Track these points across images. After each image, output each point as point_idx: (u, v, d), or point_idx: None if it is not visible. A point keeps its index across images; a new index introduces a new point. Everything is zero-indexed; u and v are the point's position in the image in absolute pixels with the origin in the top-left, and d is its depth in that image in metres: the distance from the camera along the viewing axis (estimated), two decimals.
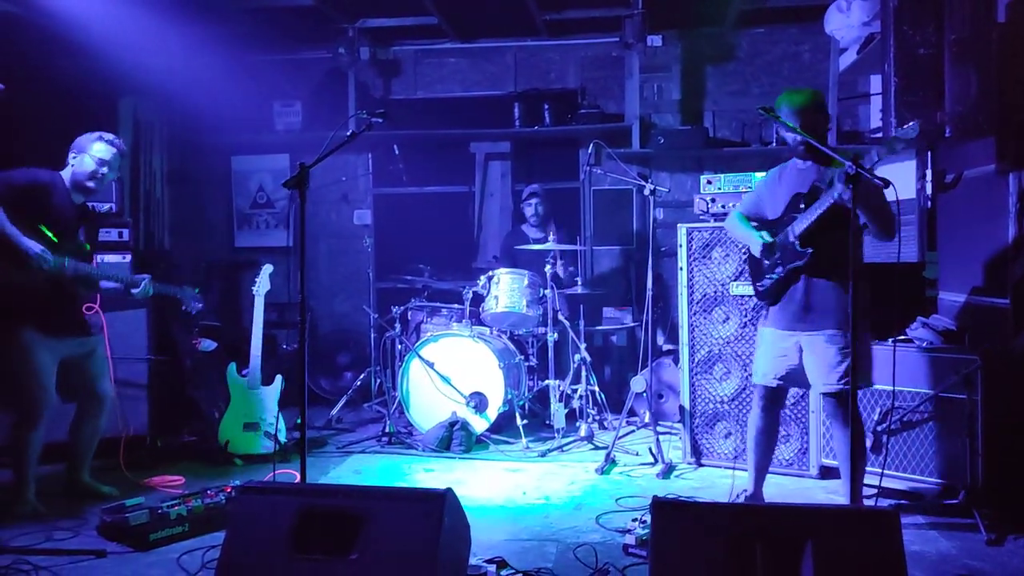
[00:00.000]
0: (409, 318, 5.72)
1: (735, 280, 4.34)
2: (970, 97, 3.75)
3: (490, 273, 5.34)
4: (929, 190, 4.63)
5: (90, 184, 3.71)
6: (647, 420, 5.01)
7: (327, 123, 6.41)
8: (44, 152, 3.79)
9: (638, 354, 5.20)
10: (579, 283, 5.48)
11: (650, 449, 4.54)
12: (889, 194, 2.90)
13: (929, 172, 4.60)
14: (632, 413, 5.26)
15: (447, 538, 2.41)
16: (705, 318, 4.44)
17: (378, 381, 5.77)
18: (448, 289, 5.85)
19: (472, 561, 2.84)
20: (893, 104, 3.84)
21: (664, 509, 2.36)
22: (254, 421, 4.57)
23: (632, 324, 6.19)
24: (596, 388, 5.30)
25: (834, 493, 3.91)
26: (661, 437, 4.52)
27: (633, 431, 5.20)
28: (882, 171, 2.97)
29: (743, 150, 6.24)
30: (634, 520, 3.28)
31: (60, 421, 3.80)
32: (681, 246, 4.48)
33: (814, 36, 6.10)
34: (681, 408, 4.54)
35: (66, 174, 3.72)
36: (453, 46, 6.77)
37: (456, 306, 5.48)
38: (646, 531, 3.13)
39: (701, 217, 4.55)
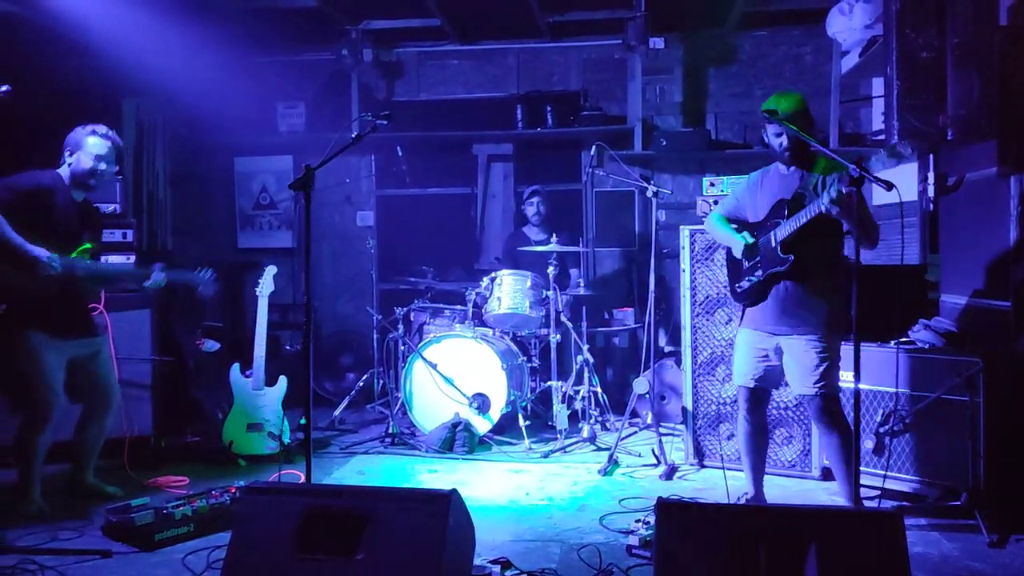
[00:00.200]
0: (412, 319, 5.73)
1: None
2: (972, 100, 3.76)
3: (493, 274, 5.35)
4: (931, 193, 4.64)
5: (91, 182, 3.71)
6: (649, 421, 5.03)
7: (330, 125, 6.43)
8: (47, 153, 3.78)
9: (640, 356, 5.21)
10: (581, 284, 5.49)
11: (653, 450, 4.55)
12: (892, 196, 2.92)
13: (931, 175, 4.61)
14: (634, 414, 5.27)
15: (452, 539, 2.42)
16: (708, 320, 4.45)
17: (381, 382, 5.79)
18: (451, 290, 5.86)
19: (476, 562, 2.86)
20: (895, 107, 3.85)
21: (669, 510, 2.37)
22: (258, 422, 4.59)
23: (634, 326, 6.20)
24: (598, 389, 5.31)
25: (836, 495, 3.91)
26: (663, 438, 4.54)
27: (635, 432, 5.21)
28: (884, 173, 2.99)
29: (745, 152, 6.24)
30: (637, 521, 3.29)
31: (65, 421, 3.80)
32: (684, 248, 4.49)
33: (816, 38, 6.11)
34: (684, 409, 4.55)
35: (64, 172, 3.70)
36: (456, 48, 6.78)
37: (459, 307, 5.49)
38: (650, 532, 3.14)
39: (704, 219, 4.56)
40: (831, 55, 5.95)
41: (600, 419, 5.35)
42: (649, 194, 4.59)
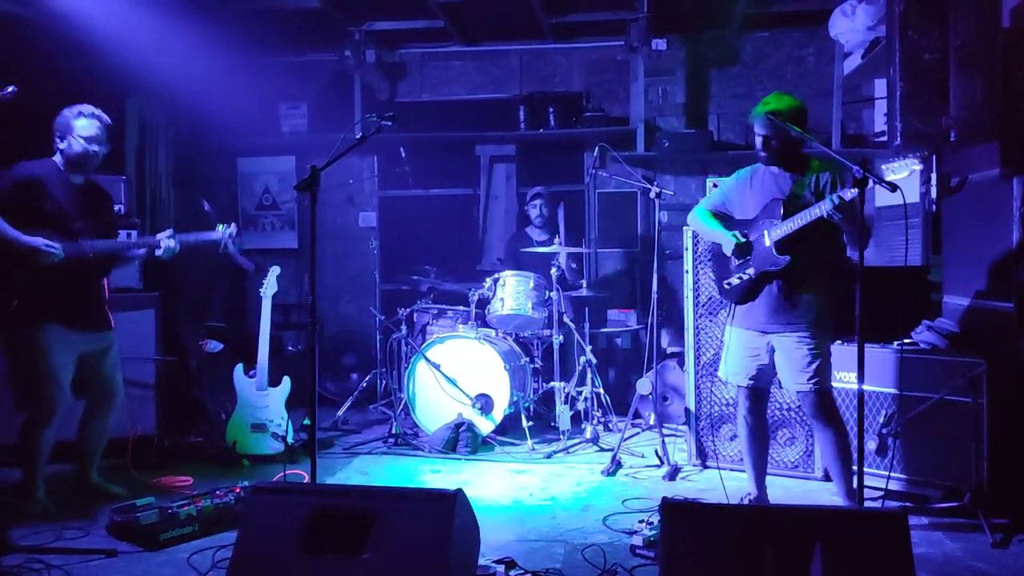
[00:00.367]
0: (415, 320, 5.74)
1: None
2: (975, 102, 3.77)
3: (496, 275, 5.36)
4: (934, 194, 4.64)
5: (86, 164, 3.67)
6: (652, 422, 5.03)
7: (333, 125, 6.44)
8: (51, 153, 3.78)
9: (642, 356, 5.23)
10: (584, 285, 5.50)
11: (656, 451, 4.56)
12: (894, 198, 2.93)
13: (934, 176, 4.61)
14: (637, 415, 5.28)
15: (458, 538, 2.43)
16: (711, 321, 4.46)
17: (383, 383, 5.79)
18: (454, 291, 5.87)
19: (481, 561, 2.86)
20: (898, 108, 3.86)
21: (674, 510, 2.38)
22: (261, 422, 4.59)
23: (636, 327, 6.21)
24: (601, 390, 5.32)
25: (838, 495, 3.92)
26: (666, 439, 4.55)
27: (638, 433, 5.22)
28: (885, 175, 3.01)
29: (747, 153, 6.21)
30: (641, 521, 3.30)
31: (70, 420, 3.81)
32: (687, 249, 4.50)
33: (818, 40, 6.12)
34: (687, 410, 4.56)
35: (57, 158, 3.67)
36: (459, 49, 6.79)
37: (462, 308, 5.50)
38: (653, 532, 3.16)
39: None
40: (833, 56, 5.96)
41: (602, 420, 5.35)
42: (652, 195, 4.60)
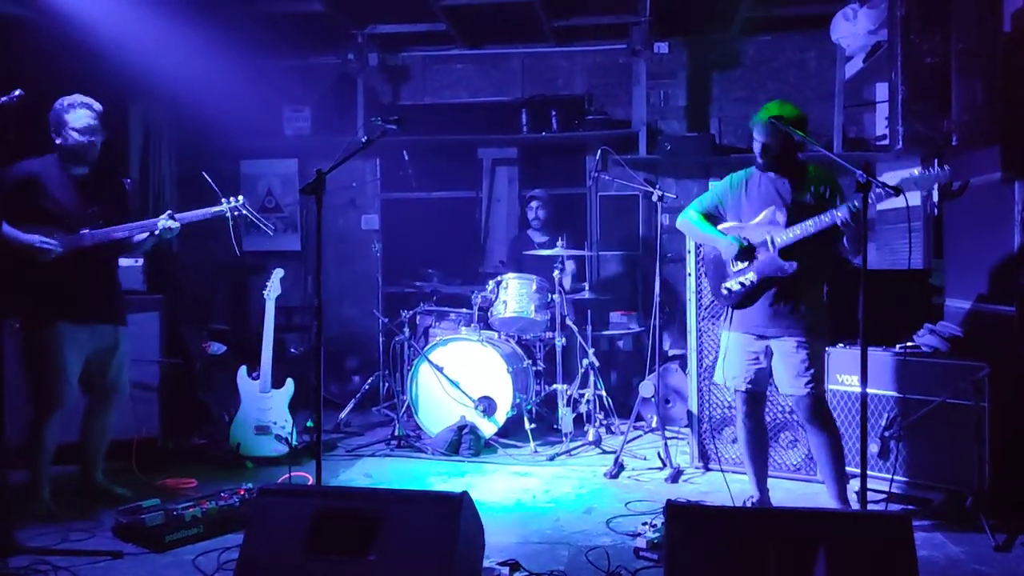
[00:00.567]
0: (418, 322, 5.75)
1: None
2: (976, 106, 3.78)
3: (498, 278, 5.38)
4: (936, 198, 4.66)
5: (84, 155, 3.66)
6: (654, 425, 5.05)
7: (336, 128, 6.46)
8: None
9: (644, 359, 5.23)
10: (586, 288, 5.51)
11: (658, 454, 4.57)
12: (896, 202, 2.95)
13: None
14: (639, 418, 5.28)
15: (463, 540, 2.44)
16: (713, 323, 4.46)
17: (386, 385, 5.80)
18: (456, 294, 5.88)
19: (485, 564, 2.87)
20: (900, 112, 3.88)
21: (678, 513, 2.39)
22: (265, 424, 4.60)
23: (638, 329, 6.22)
24: (603, 393, 5.33)
25: (831, 499, 3.93)
26: (668, 442, 4.56)
27: (640, 436, 5.23)
28: (887, 178, 3.03)
29: (749, 156, 6.20)
30: (644, 524, 3.30)
31: (74, 421, 3.83)
32: (690, 252, 4.51)
33: (820, 44, 6.13)
34: (689, 413, 4.57)
35: (57, 154, 3.67)
36: (461, 52, 6.81)
37: (464, 310, 5.51)
38: (656, 535, 3.16)
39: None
40: (835, 60, 5.97)
41: (605, 422, 5.36)
42: (654, 198, 4.61)
